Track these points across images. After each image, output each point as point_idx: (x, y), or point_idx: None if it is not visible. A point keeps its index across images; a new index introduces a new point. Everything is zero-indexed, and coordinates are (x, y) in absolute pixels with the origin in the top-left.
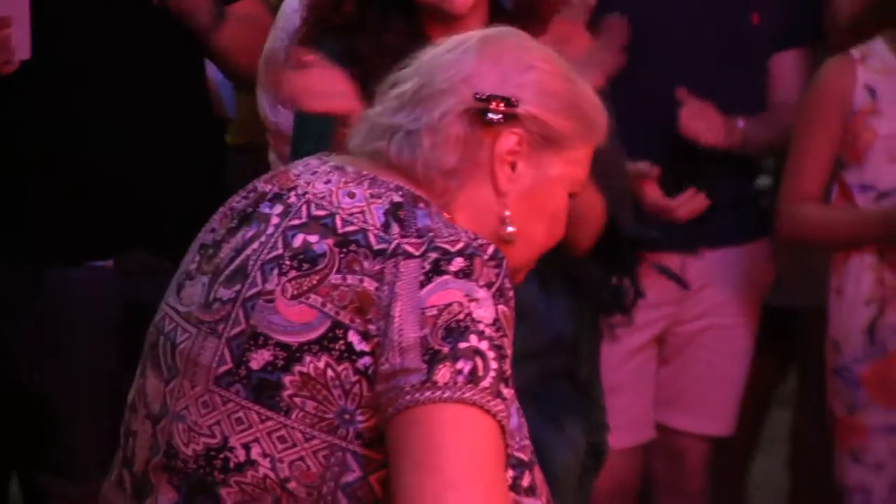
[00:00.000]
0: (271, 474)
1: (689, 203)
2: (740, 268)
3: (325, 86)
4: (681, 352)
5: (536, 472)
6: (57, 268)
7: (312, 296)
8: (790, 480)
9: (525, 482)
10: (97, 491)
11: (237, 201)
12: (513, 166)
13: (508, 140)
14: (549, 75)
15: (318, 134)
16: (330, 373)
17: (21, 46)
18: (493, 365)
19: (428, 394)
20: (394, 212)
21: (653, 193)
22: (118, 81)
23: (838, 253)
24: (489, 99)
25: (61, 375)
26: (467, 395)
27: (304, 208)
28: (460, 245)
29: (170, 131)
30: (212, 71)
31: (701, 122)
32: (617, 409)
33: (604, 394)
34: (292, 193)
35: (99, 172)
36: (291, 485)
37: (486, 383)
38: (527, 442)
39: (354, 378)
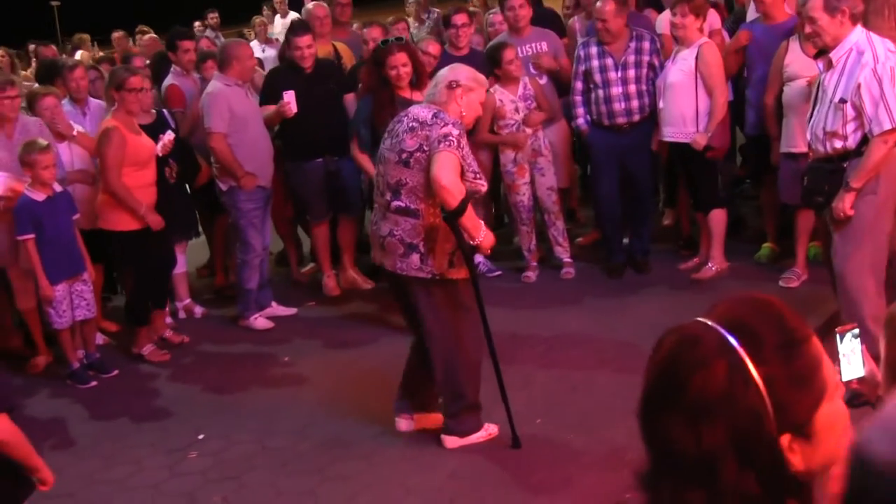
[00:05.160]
0: (411, 182)
1: None
2: None
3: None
4: None
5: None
6: (306, 161)
7: (413, 137)
8: None
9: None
10: None
11: (395, 120)
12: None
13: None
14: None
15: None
16: (418, 153)
17: (294, 108)
18: (454, 142)
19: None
20: (435, 113)
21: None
22: (323, 107)
23: None
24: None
25: (318, 196)
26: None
27: (409, 116)
28: (449, 119)
29: (337, 116)
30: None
31: None
32: None
33: None
34: (406, 114)
35: (319, 131)
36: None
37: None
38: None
39: (424, 153)
